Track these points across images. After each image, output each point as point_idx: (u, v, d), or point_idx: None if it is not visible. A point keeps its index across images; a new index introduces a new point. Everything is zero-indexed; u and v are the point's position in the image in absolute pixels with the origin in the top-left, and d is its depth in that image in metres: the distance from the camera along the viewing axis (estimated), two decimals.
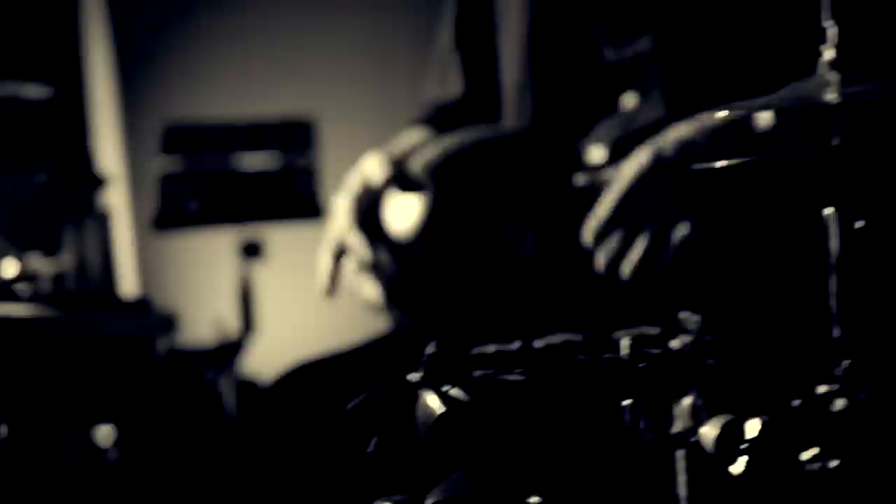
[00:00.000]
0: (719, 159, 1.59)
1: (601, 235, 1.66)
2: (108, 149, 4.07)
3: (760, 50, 1.74)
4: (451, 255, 1.69)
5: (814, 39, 1.27)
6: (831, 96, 1.22)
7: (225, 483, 2.47)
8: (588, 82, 1.88)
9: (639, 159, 1.67)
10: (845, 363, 1.24)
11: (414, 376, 1.29)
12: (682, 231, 1.66)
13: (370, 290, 1.84)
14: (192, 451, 2.50)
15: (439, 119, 2.12)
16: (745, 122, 1.66)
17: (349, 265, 1.88)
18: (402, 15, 4.26)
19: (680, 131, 1.69)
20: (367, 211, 1.85)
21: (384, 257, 1.77)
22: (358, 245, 1.83)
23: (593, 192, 1.69)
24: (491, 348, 1.34)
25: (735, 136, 1.64)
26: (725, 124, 1.67)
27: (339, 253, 1.89)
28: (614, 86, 1.86)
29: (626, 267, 1.66)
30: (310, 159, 3.39)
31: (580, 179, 1.73)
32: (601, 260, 1.66)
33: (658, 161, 1.66)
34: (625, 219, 1.66)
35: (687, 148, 1.66)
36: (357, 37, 4.30)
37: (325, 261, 1.91)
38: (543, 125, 1.82)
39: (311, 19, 4.29)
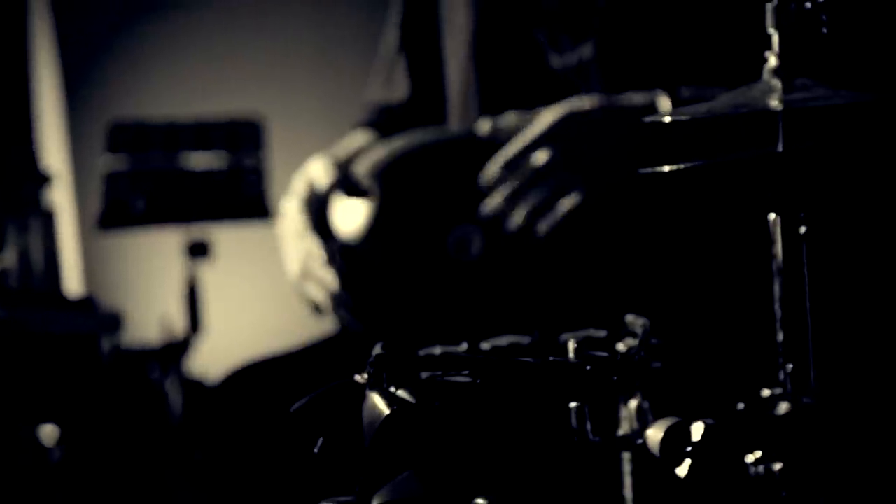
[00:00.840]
0: (621, 138, 1.62)
1: (499, 181, 1.68)
2: (53, 147, 4.04)
3: (702, 55, 1.75)
4: (399, 257, 1.70)
5: (758, 45, 1.28)
6: (775, 103, 1.23)
7: (171, 483, 2.46)
8: (532, 87, 1.89)
9: (551, 113, 1.69)
10: (789, 367, 1.25)
11: (360, 377, 1.29)
12: (571, 200, 1.67)
13: (318, 292, 1.84)
14: (137, 450, 2.49)
15: (384, 121, 2.13)
16: (650, 110, 1.68)
17: (301, 268, 1.88)
18: (349, 15, 4.25)
19: (586, 104, 1.72)
20: (316, 212, 1.85)
21: (335, 256, 1.77)
22: (315, 248, 1.83)
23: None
24: (438, 350, 1.34)
25: (639, 120, 1.67)
26: (631, 108, 1.69)
27: (296, 257, 1.89)
28: (558, 91, 1.87)
29: (514, 220, 1.67)
30: (257, 159, 3.38)
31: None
32: (492, 203, 1.68)
33: (568, 121, 1.68)
34: (524, 169, 1.67)
35: (595, 115, 1.69)
36: (304, 37, 4.29)
37: (294, 267, 1.90)
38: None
39: (259, 19, 4.28)
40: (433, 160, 1.77)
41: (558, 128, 1.68)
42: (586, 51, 1.83)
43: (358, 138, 2.10)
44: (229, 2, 4.28)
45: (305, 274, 1.86)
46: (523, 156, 1.68)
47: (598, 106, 1.70)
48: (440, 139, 1.82)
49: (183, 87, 4.22)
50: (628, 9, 1.79)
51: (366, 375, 1.28)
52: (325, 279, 1.81)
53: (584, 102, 1.73)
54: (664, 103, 1.69)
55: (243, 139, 3.39)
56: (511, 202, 1.68)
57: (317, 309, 1.86)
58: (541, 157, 1.68)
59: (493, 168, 1.69)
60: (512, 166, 1.68)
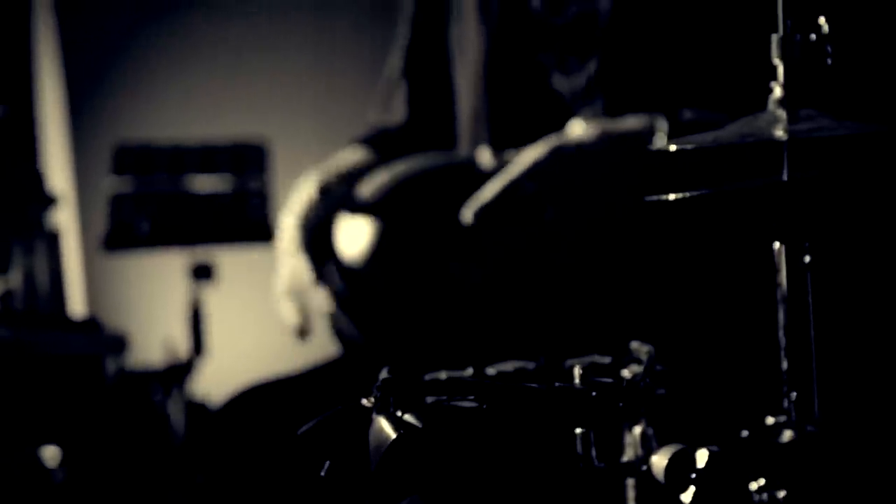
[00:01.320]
0: (618, 165, 1.62)
1: (484, 217, 1.68)
2: (58, 168, 4.04)
3: (706, 76, 1.76)
4: (402, 281, 1.70)
5: (761, 68, 1.29)
6: (780, 133, 1.24)
7: None
8: (541, 110, 1.90)
9: (536, 151, 1.69)
10: (793, 395, 1.26)
11: (367, 401, 1.29)
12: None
13: (295, 312, 1.84)
14: (139, 472, 2.49)
15: (380, 141, 2.13)
16: (647, 135, 1.68)
17: (296, 285, 1.88)
18: (354, 40, 4.26)
19: (581, 132, 1.72)
20: (315, 229, 1.86)
21: (333, 277, 1.77)
22: (304, 266, 1.83)
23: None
24: (444, 375, 1.35)
25: (636, 146, 1.67)
26: (627, 134, 1.70)
27: (293, 281, 1.89)
28: (564, 113, 1.88)
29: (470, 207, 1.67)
30: (262, 182, 3.39)
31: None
32: (468, 214, 1.68)
33: (556, 154, 1.68)
34: (510, 206, 1.68)
35: (585, 147, 1.69)
36: (310, 60, 4.30)
37: (281, 292, 1.90)
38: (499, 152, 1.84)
39: (265, 42, 4.29)
40: (438, 185, 1.77)
41: (542, 164, 1.68)
42: (592, 70, 1.84)
43: (349, 155, 2.10)
44: (235, 25, 4.29)
45: (289, 292, 1.87)
46: (506, 195, 1.68)
47: (592, 135, 1.71)
48: (445, 164, 1.83)
49: (188, 110, 4.23)
50: (631, 29, 1.80)
51: (372, 399, 1.28)
52: (314, 299, 1.81)
53: (578, 131, 1.73)
54: (663, 127, 1.70)
55: (248, 162, 3.40)
56: (500, 243, 1.68)
57: (299, 331, 1.86)
58: (525, 192, 1.69)
59: (471, 207, 1.69)
60: (492, 207, 1.68)
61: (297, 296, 1.86)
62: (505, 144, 1.85)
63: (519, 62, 1.92)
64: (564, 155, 1.68)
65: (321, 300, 1.82)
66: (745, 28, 1.45)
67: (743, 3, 1.59)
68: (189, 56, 4.27)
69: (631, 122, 1.71)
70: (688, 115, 1.70)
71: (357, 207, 1.79)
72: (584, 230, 1.67)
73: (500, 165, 1.73)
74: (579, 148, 1.68)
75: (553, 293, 1.68)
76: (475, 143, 1.98)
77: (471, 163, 1.80)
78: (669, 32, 1.79)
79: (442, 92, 2.08)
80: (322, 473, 1.32)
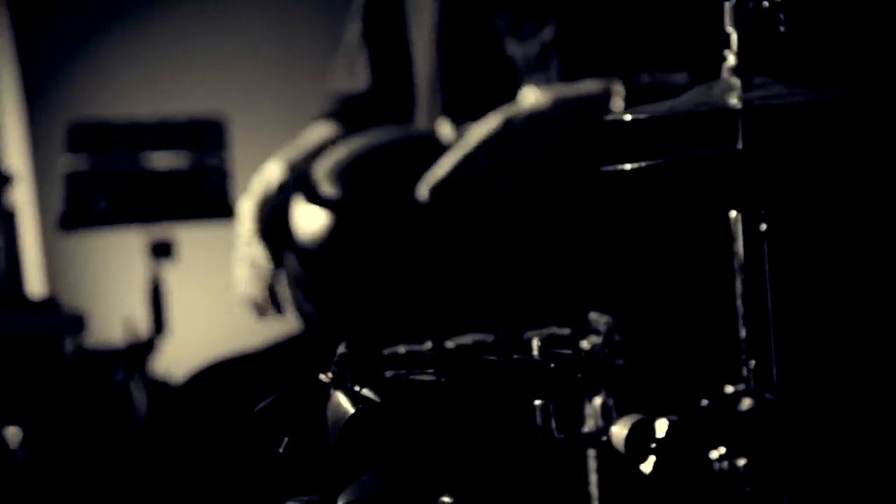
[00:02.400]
0: (574, 132, 1.62)
1: (440, 194, 1.67)
2: (14, 147, 4.01)
3: (663, 40, 1.76)
4: (361, 259, 1.69)
5: (718, 32, 1.29)
6: (734, 101, 1.24)
7: (135, 484, 2.45)
8: (495, 77, 1.89)
9: (488, 124, 1.68)
10: (751, 363, 1.26)
11: (325, 376, 1.29)
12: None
13: (278, 294, 1.83)
14: (101, 451, 2.48)
15: (346, 112, 2.12)
16: (604, 98, 1.68)
17: (259, 272, 1.87)
18: (310, 14, 4.24)
19: (534, 101, 1.71)
20: (273, 215, 1.84)
21: (292, 262, 1.76)
22: (261, 254, 1.82)
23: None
24: (402, 349, 1.34)
25: (593, 111, 1.66)
26: (582, 100, 1.69)
27: (251, 262, 1.88)
28: (518, 80, 1.87)
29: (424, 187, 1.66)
30: (220, 159, 3.37)
31: None
32: (424, 191, 1.66)
33: (509, 125, 1.67)
34: (465, 180, 1.67)
35: (538, 117, 1.68)
36: (266, 35, 4.28)
37: (239, 272, 1.90)
38: (454, 119, 1.83)
39: (220, 17, 4.26)
40: (394, 161, 1.76)
41: (495, 137, 1.67)
42: (547, 36, 1.83)
43: (318, 131, 2.09)
44: (191, 1, 4.26)
45: (248, 278, 1.86)
46: (460, 170, 1.67)
47: (546, 102, 1.70)
48: (400, 138, 1.82)
49: (144, 87, 4.20)
50: None
51: (330, 374, 1.28)
52: (275, 284, 1.81)
53: (532, 99, 1.72)
54: (620, 91, 1.69)
55: (206, 139, 3.38)
56: (457, 217, 1.67)
57: (259, 312, 1.86)
58: (480, 164, 1.67)
59: (426, 185, 1.67)
60: (447, 182, 1.67)
61: (256, 281, 1.85)
62: (459, 112, 1.84)
63: (471, 27, 1.91)
64: (517, 125, 1.67)
65: (281, 286, 1.82)
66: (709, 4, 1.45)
67: None
68: (145, 33, 4.24)
69: (586, 87, 1.71)
70: (645, 78, 1.69)
71: (312, 188, 1.77)
72: (541, 201, 1.67)
73: (459, 138, 1.72)
74: (532, 117, 1.68)
75: (511, 265, 1.68)
76: (432, 112, 1.97)
77: (429, 136, 1.79)
78: (631, 4, 1.78)
79: (403, 57, 2.06)
80: (280, 450, 1.32)
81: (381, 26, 2.10)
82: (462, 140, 1.69)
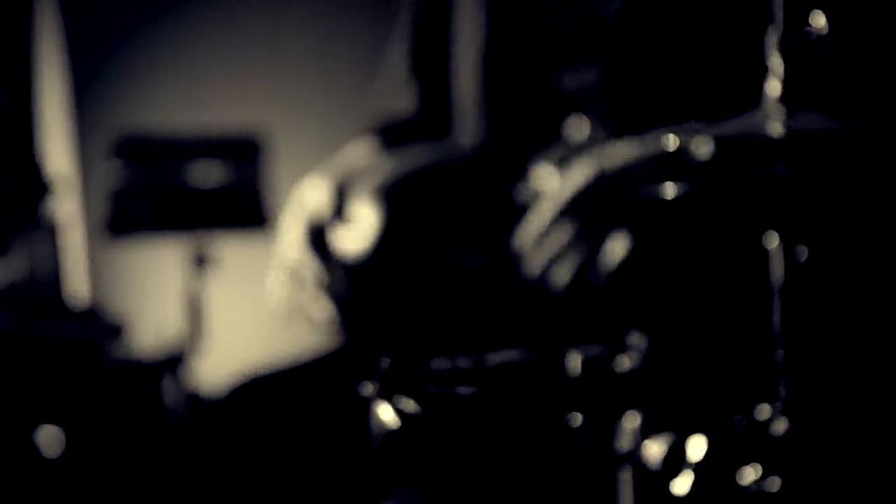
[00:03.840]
0: (662, 183, 1.61)
1: (537, 244, 1.66)
2: (59, 155, 4.05)
3: (707, 83, 1.76)
4: (403, 276, 1.70)
5: (759, 73, 1.30)
6: (776, 129, 1.25)
7: (172, 494, 2.47)
8: (540, 106, 1.90)
9: (581, 172, 1.68)
10: (787, 385, 1.27)
11: (368, 389, 1.30)
12: (619, 246, 1.66)
13: (321, 310, 1.84)
14: (138, 459, 2.50)
15: (387, 133, 2.12)
16: (687, 149, 1.68)
17: (302, 288, 1.87)
18: (354, 28, 4.27)
19: (624, 151, 1.71)
20: (315, 232, 1.85)
21: (335, 279, 1.77)
22: (312, 268, 1.82)
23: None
24: (443, 364, 1.35)
25: (677, 162, 1.66)
26: (669, 150, 1.69)
27: (294, 277, 1.88)
28: (565, 111, 1.88)
29: (559, 275, 1.65)
30: (261, 171, 3.40)
31: (522, 196, 1.73)
32: (535, 267, 1.66)
33: (600, 177, 1.67)
34: (561, 230, 1.66)
35: (630, 168, 1.67)
36: (310, 49, 4.31)
37: (278, 286, 1.91)
38: (495, 146, 1.84)
39: (266, 29, 4.29)
40: (438, 180, 1.77)
41: (583, 196, 1.65)
42: (595, 70, 1.84)
43: (358, 149, 2.10)
44: (238, 14, 4.29)
45: (297, 296, 1.86)
46: (558, 219, 1.66)
47: (630, 157, 1.67)
48: (445, 158, 1.83)
49: (189, 97, 4.23)
50: (638, 31, 1.79)
51: (373, 387, 1.29)
52: (320, 301, 1.81)
53: (613, 152, 1.70)
54: (699, 145, 1.68)
55: (247, 151, 3.41)
56: (556, 258, 1.66)
57: (311, 324, 1.86)
58: (574, 216, 1.66)
59: (526, 237, 1.66)
60: (550, 230, 1.65)
61: (304, 292, 1.86)
62: (501, 137, 1.84)
63: (519, 55, 1.92)
64: (604, 186, 1.64)
65: (324, 304, 1.82)
66: (753, 37, 1.45)
67: (753, 13, 1.59)
68: (192, 44, 4.28)
69: (667, 141, 1.70)
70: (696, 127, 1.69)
71: (357, 204, 1.78)
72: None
73: (502, 159, 1.72)
74: (623, 173, 1.65)
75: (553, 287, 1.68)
76: (472, 137, 1.97)
77: (470, 154, 1.80)
78: (677, 40, 1.78)
79: (447, 80, 2.07)
80: (322, 462, 1.33)
81: (428, 48, 2.10)
82: (551, 190, 1.67)
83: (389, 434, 1.24)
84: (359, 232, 1.74)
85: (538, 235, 1.65)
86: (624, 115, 1.74)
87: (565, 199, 1.65)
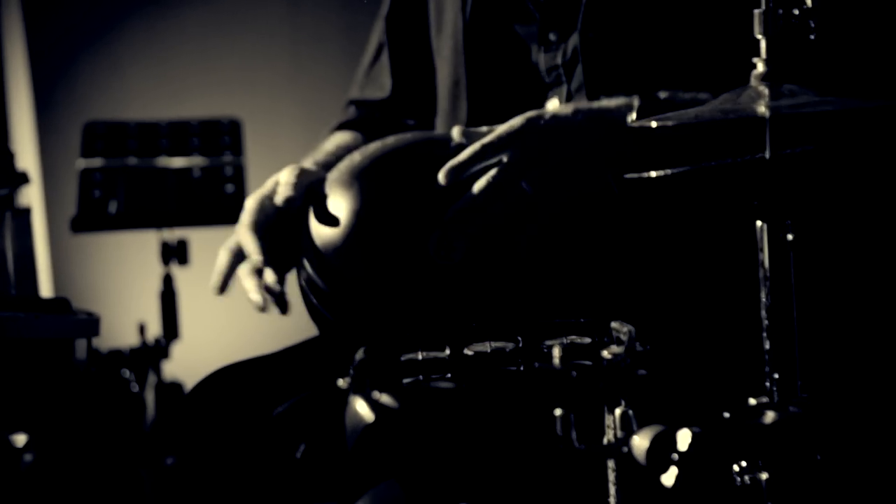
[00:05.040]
0: (594, 140, 1.60)
1: (457, 178, 1.65)
2: (26, 148, 4.01)
3: (689, 56, 1.75)
4: (380, 261, 1.68)
5: (746, 47, 1.28)
6: (762, 109, 1.23)
7: (144, 489, 2.44)
8: (520, 84, 1.88)
9: (510, 122, 1.67)
10: (775, 376, 1.25)
11: (343, 382, 1.28)
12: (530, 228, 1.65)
13: (254, 292, 1.82)
14: (109, 455, 2.46)
15: (365, 120, 2.11)
16: (623, 113, 1.66)
17: (243, 266, 1.86)
18: (327, 17, 4.24)
19: (556, 107, 1.70)
20: (287, 219, 1.82)
21: (308, 267, 1.74)
22: (251, 245, 1.80)
23: None
24: (420, 355, 1.33)
25: (612, 123, 1.65)
26: (604, 111, 1.68)
27: (238, 252, 1.87)
28: (544, 88, 1.86)
29: (472, 227, 1.64)
30: (235, 161, 3.36)
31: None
32: (443, 175, 1.65)
33: (530, 124, 1.66)
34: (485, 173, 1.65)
35: (559, 120, 1.66)
36: (282, 38, 4.28)
37: (222, 258, 1.89)
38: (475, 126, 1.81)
39: (236, 19, 4.26)
40: (412, 162, 1.75)
41: (515, 133, 1.65)
42: (571, 47, 1.82)
43: (337, 138, 2.08)
44: (205, 3, 4.26)
45: (245, 271, 1.85)
46: (477, 161, 1.65)
47: (567, 110, 1.68)
48: (418, 141, 1.80)
49: (158, 91, 4.20)
50: (613, 4, 1.78)
51: (348, 380, 1.27)
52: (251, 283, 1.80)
53: (553, 107, 1.71)
54: (637, 106, 1.67)
55: (221, 141, 3.38)
56: (470, 212, 1.65)
57: (258, 306, 1.85)
58: (499, 160, 1.65)
59: (444, 170, 1.65)
60: (464, 171, 1.65)
61: (239, 271, 1.84)
62: (483, 120, 1.83)
63: (496, 36, 1.90)
64: (539, 126, 1.65)
65: (271, 279, 1.81)
66: (732, 7, 1.43)
67: None
68: (157, 34, 4.24)
69: (607, 102, 1.70)
70: (663, 95, 1.68)
71: (332, 189, 1.76)
72: (562, 206, 1.65)
73: (472, 139, 1.70)
74: (554, 118, 1.66)
75: (532, 272, 1.66)
76: (453, 119, 1.95)
77: (446, 139, 1.78)
78: (655, 10, 1.76)
79: (424, 65, 2.05)
80: (297, 455, 1.31)
81: (404, 34, 2.09)
82: (481, 136, 1.68)
83: (365, 429, 1.21)
84: (332, 218, 1.72)
85: (453, 173, 1.63)
86: (602, 90, 1.72)
87: (496, 135, 1.64)
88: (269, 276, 1.81)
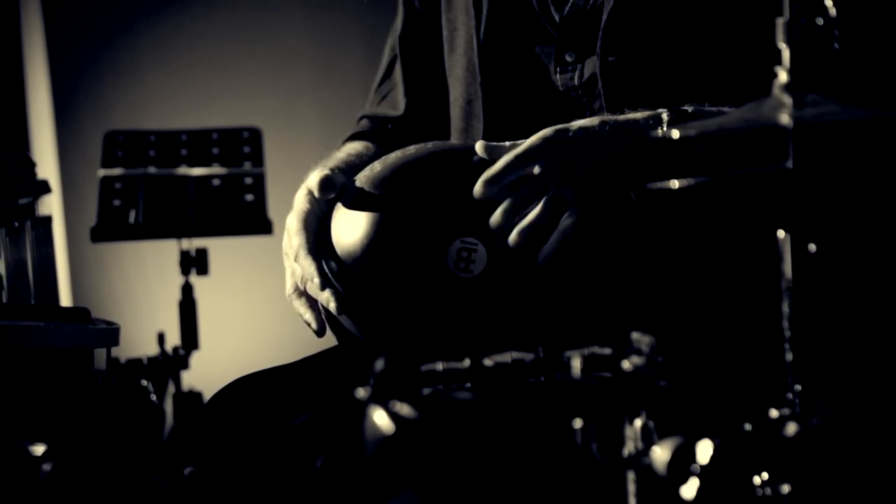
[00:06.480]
0: (621, 151, 1.59)
1: (493, 191, 1.65)
2: (46, 157, 4.02)
3: (710, 77, 1.74)
4: (399, 271, 1.68)
5: (768, 61, 1.27)
6: (785, 119, 1.22)
7: (162, 499, 2.44)
8: (536, 104, 1.88)
9: (540, 133, 1.67)
10: (797, 387, 1.24)
11: (362, 392, 1.27)
12: (568, 221, 1.65)
13: (306, 313, 1.80)
14: (128, 465, 2.46)
15: (380, 133, 2.11)
16: (651, 125, 1.66)
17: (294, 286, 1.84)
18: (348, 27, 4.24)
19: (582, 121, 1.70)
20: (312, 230, 1.82)
21: (330, 272, 1.74)
22: (309, 270, 1.78)
23: None
24: (440, 365, 1.32)
25: (639, 135, 1.65)
26: (630, 123, 1.67)
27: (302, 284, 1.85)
28: (562, 108, 1.86)
29: (514, 235, 1.64)
30: (255, 171, 3.36)
31: None
32: (492, 220, 1.65)
33: (559, 135, 1.65)
34: (518, 183, 1.65)
35: (588, 131, 1.66)
36: (302, 48, 4.28)
37: (298, 305, 1.86)
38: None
39: (256, 29, 4.27)
40: (433, 172, 1.75)
41: (547, 143, 1.65)
42: (590, 67, 1.82)
43: (351, 146, 2.07)
44: (225, 12, 4.26)
45: (296, 294, 1.83)
46: (512, 171, 1.65)
47: (593, 123, 1.68)
48: (439, 150, 1.80)
49: (177, 98, 4.20)
50: (633, 26, 1.77)
51: (368, 390, 1.26)
52: (320, 298, 1.77)
53: (580, 121, 1.71)
54: (664, 120, 1.67)
55: (241, 151, 3.38)
56: (508, 219, 1.65)
57: (313, 329, 1.83)
58: (531, 171, 1.65)
59: (481, 183, 1.66)
60: (500, 182, 1.65)
61: (307, 297, 1.82)
62: (499, 138, 1.82)
63: (513, 55, 1.89)
64: (568, 137, 1.65)
65: (325, 299, 1.78)
66: (753, 24, 1.42)
67: (754, 5, 1.56)
68: (177, 45, 4.25)
69: (633, 114, 1.69)
70: (689, 109, 1.67)
71: (352, 198, 1.76)
72: (586, 216, 1.65)
73: (496, 153, 1.70)
74: (582, 129, 1.66)
75: (553, 282, 1.66)
76: (466, 136, 1.95)
77: (466, 149, 1.77)
78: (675, 32, 1.76)
79: (438, 83, 2.05)
80: (317, 466, 1.30)
81: (417, 52, 2.08)
82: (504, 151, 1.68)
83: (385, 440, 1.21)
84: (356, 225, 1.71)
85: (490, 186, 1.63)
86: (621, 110, 1.72)
87: (523, 149, 1.64)
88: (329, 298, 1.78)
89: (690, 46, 1.75)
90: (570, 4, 1.84)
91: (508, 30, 1.90)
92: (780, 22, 1.25)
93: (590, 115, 1.82)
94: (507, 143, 1.69)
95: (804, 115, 1.22)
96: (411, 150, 1.79)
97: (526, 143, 1.65)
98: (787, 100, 1.24)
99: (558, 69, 1.86)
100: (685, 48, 1.75)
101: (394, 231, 1.70)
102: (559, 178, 1.63)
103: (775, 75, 1.26)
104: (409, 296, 1.66)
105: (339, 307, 1.72)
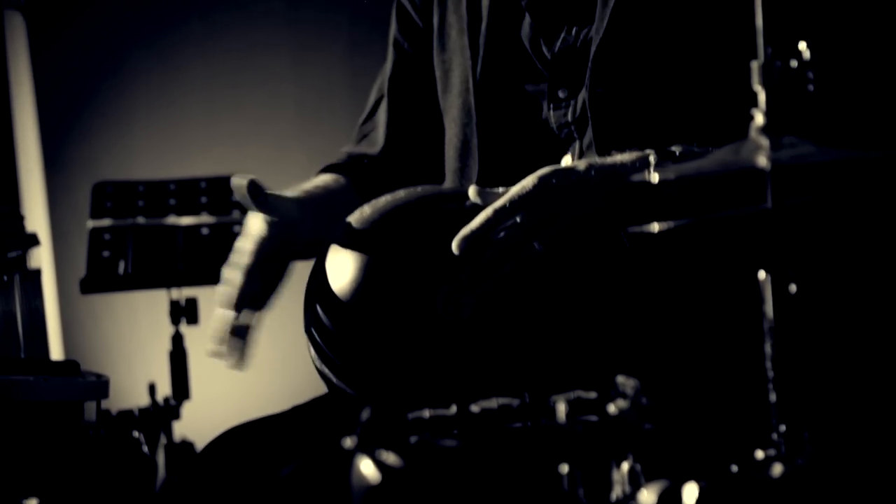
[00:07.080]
0: (607, 196, 1.59)
1: (472, 247, 1.65)
2: (35, 209, 4.02)
3: (699, 108, 1.75)
4: (388, 314, 1.68)
5: (744, 103, 1.28)
6: (763, 161, 1.23)
7: None
8: (531, 143, 1.88)
9: (522, 182, 1.67)
10: (782, 428, 1.24)
11: (349, 442, 1.27)
12: (553, 272, 1.65)
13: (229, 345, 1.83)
14: None
15: (352, 169, 2.10)
16: (639, 168, 1.66)
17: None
18: (334, 74, 4.26)
19: (568, 163, 1.70)
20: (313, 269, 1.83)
21: (319, 313, 1.74)
22: (238, 281, 1.82)
23: None
24: (427, 413, 1.32)
25: (625, 178, 1.65)
26: (616, 165, 1.67)
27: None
28: (556, 146, 1.86)
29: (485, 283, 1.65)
30: (244, 219, 3.36)
31: None
32: (456, 244, 1.65)
33: (541, 185, 1.66)
34: (498, 234, 1.65)
35: (572, 177, 1.66)
36: (289, 95, 4.29)
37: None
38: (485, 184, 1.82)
39: (242, 78, 4.28)
40: (422, 217, 1.75)
41: (529, 194, 1.66)
42: (581, 103, 1.83)
43: (318, 179, 2.08)
44: (211, 59, 4.28)
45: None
46: (491, 227, 1.65)
47: (580, 167, 1.68)
48: (429, 195, 1.81)
49: (165, 147, 4.21)
50: (620, 57, 1.78)
51: (354, 439, 1.26)
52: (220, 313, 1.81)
53: (567, 164, 1.71)
54: (654, 161, 1.68)
55: (229, 199, 3.38)
56: (488, 272, 1.65)
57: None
58: (514, 222, 1.65)
59: (457, 240, 1.66)
60: (478, 238, 1.65)
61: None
62: (494, 178, 1.83)
63: (507, 94, 1.90)
64: (551, 185, 1.65)
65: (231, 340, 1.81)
66: (740, 62, 1.43)
67: (740, 39, 1.58)
68: (164, 95, 4.26)
69: (621, 157, 1.69)
70: (677, 151, 1.68)
71: (344, 239, 1.76)
72: (571, 262, 1.65)
73: (489, 199, 1.71)
74: (567, 177, 1.66)
75: (538, 327, 1.66)
76: (462, 176, 1.96)
77: (456, 193, 1.78)
78: (662, 65, 1.77)
79: (424, 121, 2.06)
80: None
81: (406, 94, 2.09)
82: (496, 197, 1.68)
83: (371, 490, 1.21)
84: (344, 268, 1.72)
85: (472, 238, 1.64)
86: (611, 147, 1.72)
87: (508, 199, 1.64)
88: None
89: (677, 77, 1.76)
90: (560, 40, 1.86)
91: (503, 70, 1.91)
92: (755, 65, 1.26)
93: (579, 149, 1.83)
94: (500, 189, 1.70)
95: (781, 156, 1.23)
96: (402, 193, 1.79)
97: (506, 196, 1.65)
98: (765, 142, 1.25)
99: (552, 106, 1.87)
100: (672, 79, 1.76)
101: (382, 275, 1.70)
102: (539, 230, 1.63)
103: (752, 118, 1.27)
104: (397, 339, 1.67)
105: (323, 346, 1.73)
